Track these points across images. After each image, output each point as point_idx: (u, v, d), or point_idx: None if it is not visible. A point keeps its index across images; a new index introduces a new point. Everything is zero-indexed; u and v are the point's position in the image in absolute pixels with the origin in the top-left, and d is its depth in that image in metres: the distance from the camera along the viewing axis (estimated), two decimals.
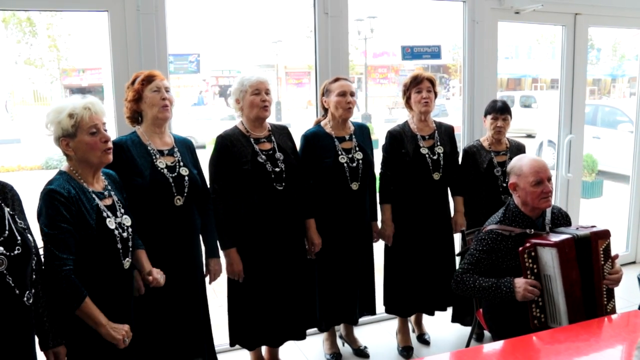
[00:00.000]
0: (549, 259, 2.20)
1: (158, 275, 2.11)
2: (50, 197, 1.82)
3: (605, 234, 2.26)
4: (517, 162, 2.42)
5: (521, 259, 2.23)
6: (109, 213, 1.94)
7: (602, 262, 2.25)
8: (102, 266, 1.91)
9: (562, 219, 2.46)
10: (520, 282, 2.22)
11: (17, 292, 1.62)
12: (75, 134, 1.88)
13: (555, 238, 2.23)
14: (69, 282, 1.78)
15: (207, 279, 2.55)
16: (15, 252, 1.62)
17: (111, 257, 1.93)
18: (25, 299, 1.65)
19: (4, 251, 1.60)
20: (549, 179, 2.35)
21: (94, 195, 1.92)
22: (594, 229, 2.26)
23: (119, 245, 1.94)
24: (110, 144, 1.95)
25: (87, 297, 1.82)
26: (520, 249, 2.24)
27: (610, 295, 2.31)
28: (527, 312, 2.26)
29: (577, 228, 2.30)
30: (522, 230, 2.33)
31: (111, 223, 1.92)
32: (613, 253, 2.31)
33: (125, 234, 1.97)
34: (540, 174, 2.33)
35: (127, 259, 1.99)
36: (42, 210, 1.83)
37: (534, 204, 2.34)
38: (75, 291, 1.79)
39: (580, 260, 2.21)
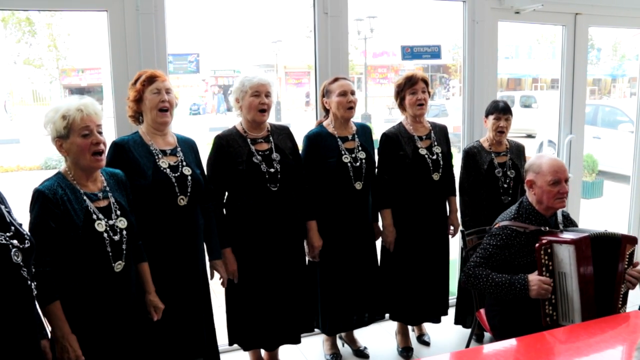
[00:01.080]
0: (566, 256, 2.21)
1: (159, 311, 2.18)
2: (35, 198, 1.85)
3: (633, 240, 2.30)
4: (537, 160, 2.41)
5: (537, 255, 2.22)
6: (100, 215, 1.92)
7: (626, 266, 2.27)
8: (90, 268, 1.90)
9: (569, 225, 2.45)
10: (534, 279, 2.21)
11: (29, 283, 1.62)
12: (68, 136, 1.88)
13: (571, 236, 2.23)
14: (38, 282, 1.75)
15: (212, 280, 2.55)
16: (26, 244, 1.63)
17: (100, 259, 1.91)
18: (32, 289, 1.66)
19: (18, 244, 1.60)
20: (567, 180, 2.35)
21: (85, 197, 1.91)
22: (623, 233, 2.29)
23: (109, 249, 1.92)
24: (101, 147, 1.91)
25: (56, 303, 1.81)
26: (537, 245, 2.23)
27: (624, 301, 2.31)
28: (532, 310, 2.25)
29: (605, 230, 2.30)
30: (536, 227, 2.33)
31: (100, 226, 1.90)
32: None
33: (117, 237, 1.94)
34: (559, 174, 2.33)
35: (119, 262, 1.95)
36: (30, 210, 1.86)
37: (548, 203, 2.34)
38: (41, 292, 1.75)
39: (595, 259, 2.22)
